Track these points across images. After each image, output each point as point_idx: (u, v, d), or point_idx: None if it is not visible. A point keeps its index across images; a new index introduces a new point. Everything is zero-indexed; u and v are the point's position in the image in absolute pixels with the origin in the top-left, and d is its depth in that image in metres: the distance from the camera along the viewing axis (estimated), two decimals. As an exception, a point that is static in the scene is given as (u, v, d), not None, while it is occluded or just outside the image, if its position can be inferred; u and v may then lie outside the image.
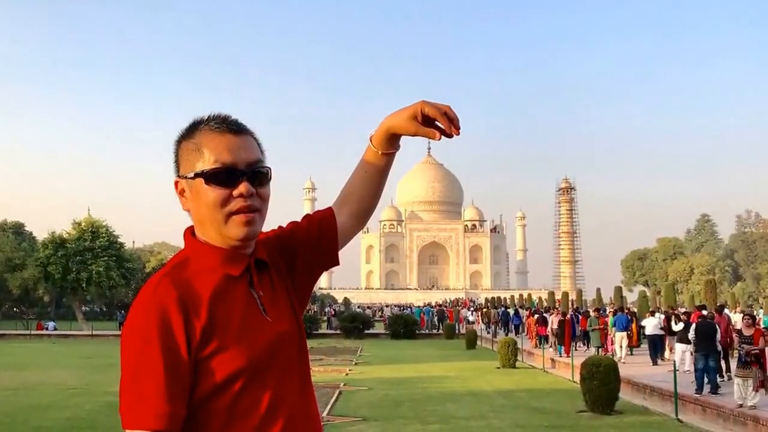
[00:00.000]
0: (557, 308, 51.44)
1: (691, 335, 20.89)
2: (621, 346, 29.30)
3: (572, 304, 65.59)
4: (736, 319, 28.06)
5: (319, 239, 2.40)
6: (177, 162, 2.21)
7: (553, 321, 35.63)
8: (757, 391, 16.26)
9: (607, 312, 36.38)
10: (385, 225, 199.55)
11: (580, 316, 36.08)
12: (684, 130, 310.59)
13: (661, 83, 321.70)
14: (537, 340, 37.61)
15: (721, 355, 20.93)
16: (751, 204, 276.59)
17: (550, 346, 34.72)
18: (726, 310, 28.52)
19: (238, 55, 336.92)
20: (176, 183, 2.21)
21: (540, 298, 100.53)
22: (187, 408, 2.00)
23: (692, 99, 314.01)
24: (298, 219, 2.48)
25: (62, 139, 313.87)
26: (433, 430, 15.32)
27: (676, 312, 29.46)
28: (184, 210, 2.22)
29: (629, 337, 30.38)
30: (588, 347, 32.66)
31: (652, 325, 28.49)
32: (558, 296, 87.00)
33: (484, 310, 67.14)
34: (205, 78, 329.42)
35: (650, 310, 35.79)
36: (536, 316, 40.84)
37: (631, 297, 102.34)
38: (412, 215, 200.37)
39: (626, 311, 33.63)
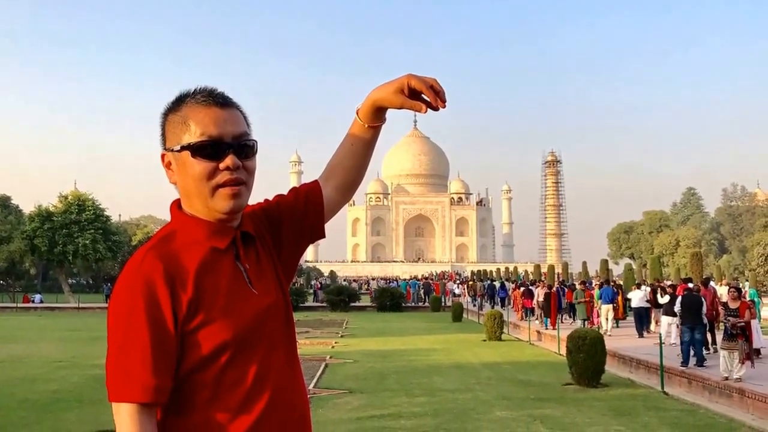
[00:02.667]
0: (543, 281, 51.58)
1: (677, 308, 20.88)
2: (607, 319, 29.35)
3: (558, 277, 65.80)
4: (722, 291, 28.13)
5: (305, 212, 2.42)
6: (163, 135, 2.21)
7: (539, 294, 35.71)
8: (742, 363, 16.26)
9: (593, 285, 36.42)
10: (371, 198, 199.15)
11: (566, 289, 36.11)
12: (671, 104, 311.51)
13: (647, 57, 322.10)
14: (523, 313, 37.74)
15: (707, 328, 20.96)
16: (737, 178, 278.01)
17: (536, 319, 34.82)
18: (712, 283, 28.54)
19: (224, 28, 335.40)
20: (163, 156, 2.21)
21: (526, 271, 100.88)
22: (174, 380, 2.02)
23: (679, 73, 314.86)
24: (285, 193, 2.48)
25: (49, 112, 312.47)
26: (419, 402, 15.25)
27: (662, 285, 29.56)
28: (171, 183, 2.23)
29: (615, 309, 30.47)
30: (574, 320, 32.71)
31: (638, 297, 28.53)
32: (544, 269, 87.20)
33: (470, 282, 67.21)
34: (191, 51, 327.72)
35: (636, 282, 35.91)
36: (522, 288, 40.92)
37: (617, 270, 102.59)
38: (398, 188, 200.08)
39: (612, 284, 33.67)
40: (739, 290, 19.45)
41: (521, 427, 12.70)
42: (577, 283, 38.53)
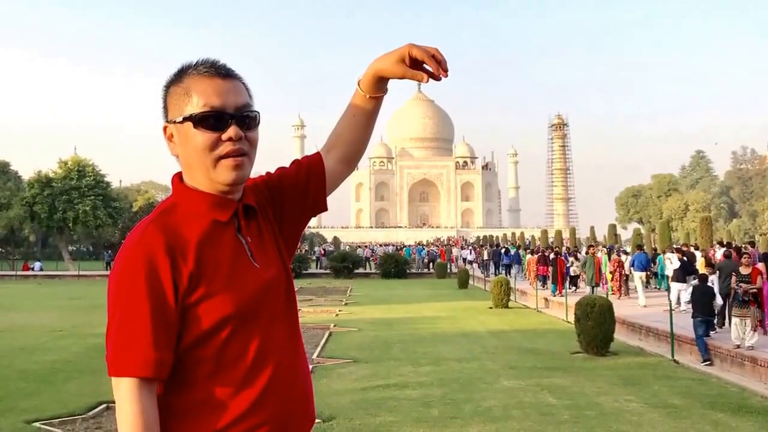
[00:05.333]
0: (552, 247, 50.70)
1: (687, 296, 20.11)
2: (642, 286, 27.45)
3: (554, 243, 65.29)
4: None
5: (307, 185, 2.44)
6: (165, 107, 2.21)
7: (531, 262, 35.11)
8: (755, 330, 15.97)
9: (587, 252, 35.73)
10: (375, 162, 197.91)
11: (557, 258, 34.89)
12: (679, 65, 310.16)
13: (655, 15, 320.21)
14: (537, 281, 36.49)
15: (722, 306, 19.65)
16: (747, 140, 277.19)
17: (546, 288, 34.18)
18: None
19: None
20: (165, 128, 2.22)
21: (533, 237, 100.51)
22: (174, 355, 2.03)
23: (688, 33, 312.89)
24: (288, 159, 2.53)
25: (48, 76, 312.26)
26: (425, 372, 15.06)
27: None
28: (173, 155, 2.23)
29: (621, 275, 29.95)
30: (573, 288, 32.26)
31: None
32: (551, 234, 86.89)
33: (478, 249, 66.88)
34: (190, 17, 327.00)
35: (638, 244, 35.48)
36: (537, 255, 40.00)
37: (626, 234, 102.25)
38: (402, 152, 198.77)
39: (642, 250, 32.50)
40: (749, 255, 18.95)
41: (529, 396, 12.50)
42: (583, 250, 38.05)
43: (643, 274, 28.42)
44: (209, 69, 2.16)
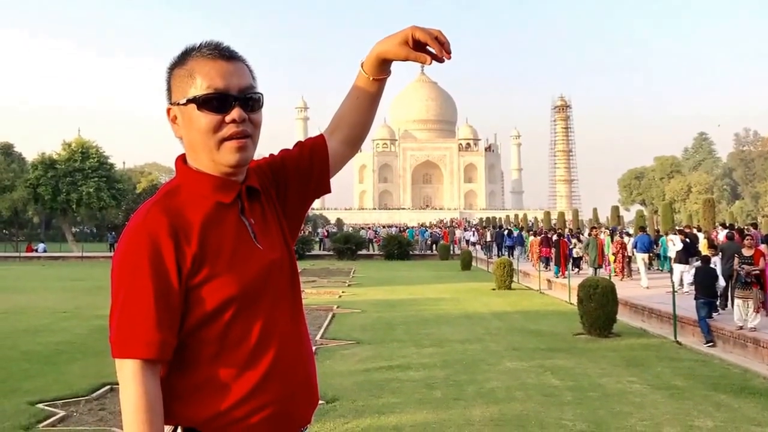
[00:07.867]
0: (555, 229, 50.58)
1: (689, 277, 20.04)
2: (644, 268, 27.49)
3: (557, 225, 65.08)
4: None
5: (310, 167, 2.44)
6: (169, 89, 2.22)
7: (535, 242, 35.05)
8: (757, 312, 15.95)
9: (590, 233, 35.64)
10: (378, 144, 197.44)
11: (560, 240, 34.68)
12: (682, 47, 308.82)
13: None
14: (540, 263, 36.40)
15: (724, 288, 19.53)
16: (749, 122, 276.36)
17: (549, 270, 34.12)
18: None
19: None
20: (168, 110, 2.22)
21: (536, 218, 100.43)
22: (178, 337, 2.04)
23: (692, 15, 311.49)
24: (292, 140, 2.52)
25: (52, 58, 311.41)
26: (428, 353, 15.03)
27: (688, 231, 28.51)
28: (176, 137, 2.23)
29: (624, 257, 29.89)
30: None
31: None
32: (554, 216, 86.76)
33: (481, 230, 66.71)
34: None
35: (641, 226, 35.41)
36: (540, 237, 39.86)
37: (629, 216, 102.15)
38: (405, 134, 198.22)
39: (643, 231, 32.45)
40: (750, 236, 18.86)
41: (532, 378, 12.49)
42: (585, 232, 37.94)
43: (646, 255, 28.34)
44: (213, 51, 2.16)
